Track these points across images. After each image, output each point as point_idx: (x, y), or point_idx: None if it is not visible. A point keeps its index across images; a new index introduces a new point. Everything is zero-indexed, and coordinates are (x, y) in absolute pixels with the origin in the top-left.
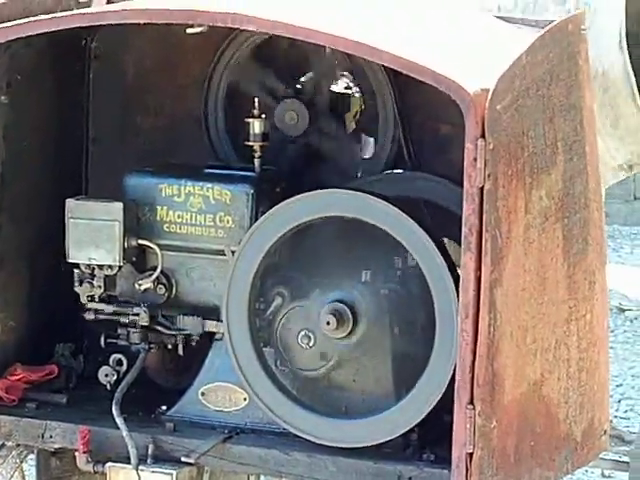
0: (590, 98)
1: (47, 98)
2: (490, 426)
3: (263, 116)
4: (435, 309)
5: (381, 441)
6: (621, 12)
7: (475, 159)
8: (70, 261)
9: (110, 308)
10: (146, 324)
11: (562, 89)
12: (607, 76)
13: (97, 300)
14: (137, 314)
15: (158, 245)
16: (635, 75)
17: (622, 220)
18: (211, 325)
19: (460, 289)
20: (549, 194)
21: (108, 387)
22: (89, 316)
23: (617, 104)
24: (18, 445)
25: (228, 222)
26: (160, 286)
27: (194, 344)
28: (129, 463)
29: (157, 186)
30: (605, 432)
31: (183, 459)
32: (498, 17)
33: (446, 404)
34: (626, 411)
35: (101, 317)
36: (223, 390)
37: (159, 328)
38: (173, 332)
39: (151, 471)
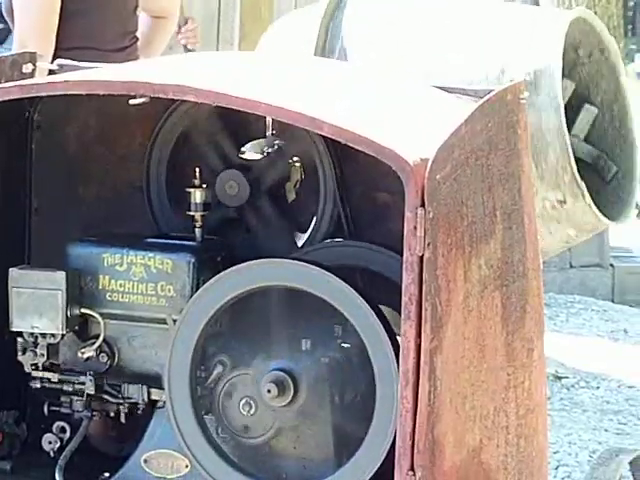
0: (529, 167)
1: None
2: None
3: (204, 186)
4: (375, 377)
5: None
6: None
7: (415, 228)
8: (13, 330)
9: (56, 377)
10: (92, 392)
11: (501, 158)
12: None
13: (41, 369)
14: (83, 383)
15: (101, 314)
16: None
17: (558, 288)
18: (153, 393)
19: (400, 357)
20: (488, 263)
21: (51, 454)
22: (35, 384)
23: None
24: None
25: (170, 291)
26: (102, 354)
27: (136, 412)
28: None
29: (100, 255)
30: None
31: None
32: (437, 87)
33: (386, 471)
34: (563, 478)
35: (47, 386)
36: (165, 457)
37: (102, 396)
38: (116, 400)
39: None
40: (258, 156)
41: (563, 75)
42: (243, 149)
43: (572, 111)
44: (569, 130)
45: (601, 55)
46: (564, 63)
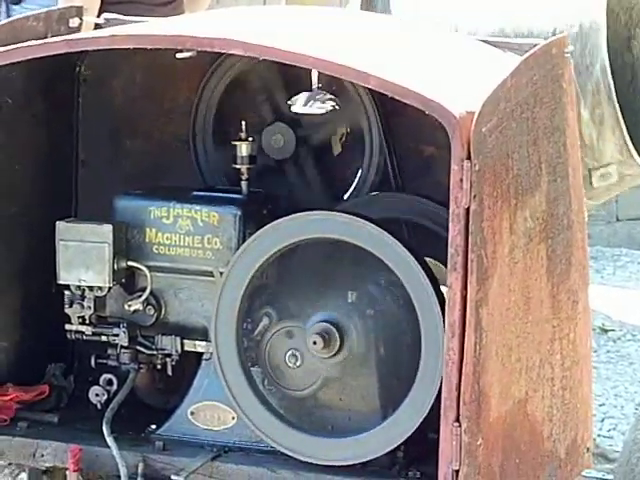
0: (573, 120)
1: (37, 122)
2: (476, 443)
3: (250, 139)
4: (420, 328)
5: (368, 459)
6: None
7: (461, 180)
8: (60, 283)
9: (103, 329)
10: (138, 345)
11: (546, 111)
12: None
13: (88, 321)
14: (130, 335)
15: (147, 266)
16: None
17: (605, 241)
18: (200, 345)
19: (446, 308)
20: (533, 215)
21: (98, 407)
22: (82, 337)
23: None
24: (10, 464)
25: (216, 244)
26: (149, 307)
27: (183, 364)
28: None
29: (146, 208)
30: (588, 449)
31: (173, 477)
32: (483, 40)
33: (432, 422)
34: (609, 430)
35: (94, 338)
36: (212, 409)
37: (149, 348)
38: (161, 352)
39: None
40: (307, 110)
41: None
42: (290, 102)
43: None
44: None
45: None
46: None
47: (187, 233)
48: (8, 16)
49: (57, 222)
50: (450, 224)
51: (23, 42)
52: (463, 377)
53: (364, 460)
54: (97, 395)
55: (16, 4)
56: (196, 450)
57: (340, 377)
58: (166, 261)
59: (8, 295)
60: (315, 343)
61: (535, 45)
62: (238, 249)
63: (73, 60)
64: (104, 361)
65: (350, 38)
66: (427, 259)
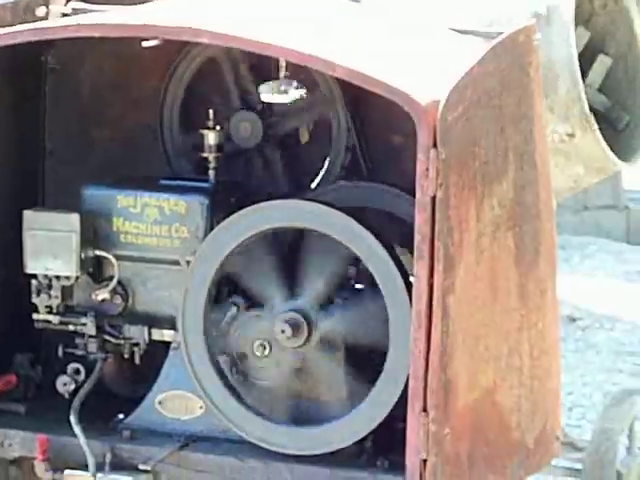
0: (541, 108)
1: (4, 111)
2: (443, 433)
3: (218, 127)
4: (389, 318)
5: (336, 448)
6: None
7: (427, 169)
8: (28, 272)
9: (70, 319)
10: (105, 334)
11: (513, 99)
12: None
13: (55, 311)
14: (97, 324)
15: (115, 255)
16: None
17: (572, 230)
18: (167, 334)
19: (413, 297)
20: (500, 203)
21: (66, 396)
22: (49, 327)
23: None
24: None
25: (183, 232)
26: (116, 296)
27: (151, 353)
28: (87, 471)
29: (113, 197)
30: (557, 439)
31: (140, 466)
32: (450, 29)
33: (400, 412)
34: (578, 419)
35: (61, 328)
36: (179, 398)
37: (116, 337)
38: (129, 341)
39: (109, 478)
40: (276, 98)
41: (578, 24)
42: (258, 91)
43: (587, 62)
44: (583, 81)
45: (615, 5)
46: (579, 13)
47: (154, 222)
48: None
49: (24, 211)
50: (416, 212)
51: None
52: (430, 366)
53: (332, 449)
54: (65, 384)
55: None
56: (164, 439)
57: (308, 366)
58: (133, 250)
59: None
60: (283, 332)
61: (502, 33)
62: (205, 238)
63: (40, 49)
64: (72, 350)
65: (317, 26)
66: (396, 248)
